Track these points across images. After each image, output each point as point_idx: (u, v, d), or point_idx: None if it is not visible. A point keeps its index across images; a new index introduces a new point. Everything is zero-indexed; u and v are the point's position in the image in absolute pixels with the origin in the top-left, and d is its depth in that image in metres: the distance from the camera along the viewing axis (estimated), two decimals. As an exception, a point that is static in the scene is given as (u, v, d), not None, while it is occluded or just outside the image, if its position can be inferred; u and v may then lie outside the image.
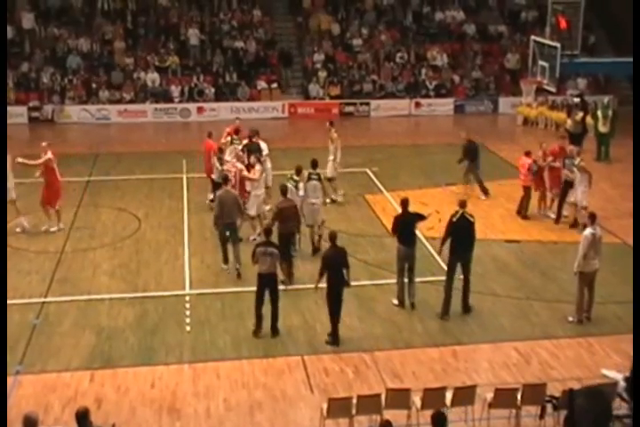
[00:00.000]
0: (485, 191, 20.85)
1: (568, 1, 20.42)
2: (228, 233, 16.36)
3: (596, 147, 24.19)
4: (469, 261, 14.70)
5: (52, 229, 18.31)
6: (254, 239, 17.03)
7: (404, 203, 15.08)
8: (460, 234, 14.55)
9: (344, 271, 13.43)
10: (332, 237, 13.71)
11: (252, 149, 18.90)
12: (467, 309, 14.78)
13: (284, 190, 16.38)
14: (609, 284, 15.06)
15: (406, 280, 14.98)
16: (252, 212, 17.41)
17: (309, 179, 17.41)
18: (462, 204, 14.76)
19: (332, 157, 20.29)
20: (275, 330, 13.74)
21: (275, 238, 14.70)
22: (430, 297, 15.19)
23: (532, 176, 19.06)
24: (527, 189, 19.41)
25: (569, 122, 25.06)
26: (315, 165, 17.75)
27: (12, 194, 18.38)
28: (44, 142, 18.48)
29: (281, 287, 14.19)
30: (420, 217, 15.21)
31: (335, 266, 13.39)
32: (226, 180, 16.65)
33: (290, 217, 16.05)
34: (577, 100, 26.93)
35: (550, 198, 19.57)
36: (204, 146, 19.87)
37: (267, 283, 13.54)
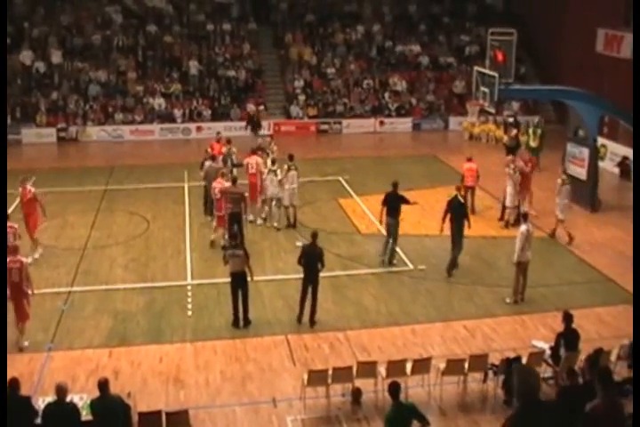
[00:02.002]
0: None
1: (503, 39, 20.49)
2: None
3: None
4: (462, 232, 15.28)
5: (37, 256, 16.31)
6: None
7: (395, 184, 15.70)
8: (454, 211, 15.25)
9: (319, 266, 13.23)
10: (314, 235, 13.54)
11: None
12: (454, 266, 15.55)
13: (234, 180, 16.93)
14: (537, 271, 15.07)
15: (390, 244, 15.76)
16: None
17: (289, 169, 17.95)
18: (458, 188, 15.70)
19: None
20: (246, 321, 13.32)
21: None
22: (393, 285, 15.23)
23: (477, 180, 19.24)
24: (472, 189, 19.42)
25: (505, 137, 25.16)
26: (291, 157, 18.23)
27: None
28: (21, 176, 16.86)
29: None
30: (405, 200, 15.71)
31: (311, 259, 13.23)
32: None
33: (237, 200, 16.36)
34: (511, 119, 27.07)
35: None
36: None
37: (237, 280, 13.14)
